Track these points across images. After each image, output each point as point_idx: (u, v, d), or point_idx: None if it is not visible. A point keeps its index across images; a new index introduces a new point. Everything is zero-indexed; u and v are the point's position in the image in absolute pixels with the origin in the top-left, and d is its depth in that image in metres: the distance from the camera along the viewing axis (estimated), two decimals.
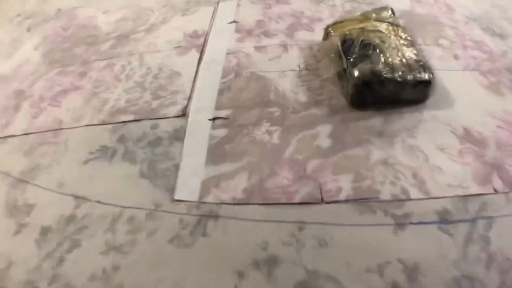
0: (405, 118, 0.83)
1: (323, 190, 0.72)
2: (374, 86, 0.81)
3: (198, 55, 1.00)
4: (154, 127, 0.88)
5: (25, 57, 1.12)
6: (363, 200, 0.71)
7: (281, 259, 0.67)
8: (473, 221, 0.70)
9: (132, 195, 0.76)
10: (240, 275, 0.64)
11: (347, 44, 0.87)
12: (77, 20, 1.26)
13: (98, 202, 0.75)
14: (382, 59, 0.82)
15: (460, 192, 0.72)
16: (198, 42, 1.04)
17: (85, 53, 1.10)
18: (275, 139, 0.80)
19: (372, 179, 0.73)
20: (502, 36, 1.06)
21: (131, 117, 0.90)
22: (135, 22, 1.19)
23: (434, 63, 0.94)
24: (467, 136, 0.80)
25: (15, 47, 1.18)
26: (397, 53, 0.85)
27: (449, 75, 0.92)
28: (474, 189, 0.73)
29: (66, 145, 0.86)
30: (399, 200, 0.71)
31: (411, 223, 0.69)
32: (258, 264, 0.66)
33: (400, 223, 0.69)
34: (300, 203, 0.71)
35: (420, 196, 0.71)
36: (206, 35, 1.06)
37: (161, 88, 0.95)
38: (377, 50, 0.85)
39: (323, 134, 0.80)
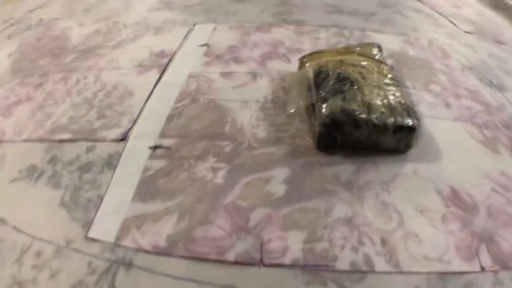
0: (381, 170, 0.65)
1: (265, 250, 0.54)
2: (346, 127, 0.64)
3: (157, 76, 0.85)
4: (89, 149, 0.72)
5: None
6: (312, 268, 0.53)
7: None
8: None
9: (47, 225, 0.61)
10: None
11: (321, 76, 0.72)
12: (52, 31, 1.15)
13: (14, 228, 0.62)
14: (359, 97, 0.66)
15: (439, 267, 0.54)
16: (162, 62, 0.90)
17: (48, 65, 0.98)
18: (219, 178, 0.63)
19: (329, 241, 0.55)
20: (500, 88, 0.91)
21: (68, 136, 0.74)
22: (105, 36, 1.06)
23: (422, 109, 0.78)
24: (454, 199, 0.63)
25: None
26: (378, 93, 0.69)
27: (438, 124, 0.76)
28: (457, 265, 0.55)
29: (2, 160, 0.72)
30: (360, 272, 0.53)
31: None
32: None
33: None
34: (233, 262, 0.53)
35: (388, 269, 0.53)
36: (173, 55, 0.92)
37: (109, 107, 0.80)
38: (355, 86, 0.69)
39: (278, 178, 0.63)
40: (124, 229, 0.58)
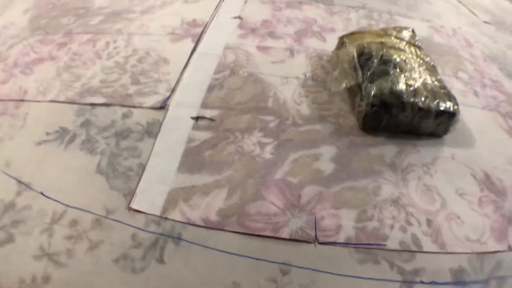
0: (421, 153, 0.64)
1: (318, 227, 0.52)
2: (393, 109, 0.62)
3: (192, 45, 0.81)
4: (125, 116, 0.68)
5: (12, 19, 0.94)
6: (365, 246, 0.52)
7: None
8: (486, 282, 0.52)
9: (82, 193, 0.56)
10: None
11: (364, 57, 0.69)
12: None
13: (41, 193, 0.56)
14: (404, 80, 0.64)
15: (477, 248, 0.55)
16: (195, 32, 0.85)
17: (72, 24, 0.92)
18: (267, 153, 0.60)
19: (379, 221, 0.55)
20: None
21: (101, 100, 0.70)
22: (132, 1, 1.00)
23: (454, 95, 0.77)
24: (488, 183, 0.63)
25: (5, 7, 0.99)
26: (420, 77, 0.67)
27: (469, 111, 0.75)
28: (492, 245, 0.56)
29: (25, 119, 0.67)
30: (410, 251, 0.53)
31: (422, 282, 0.51)
32: None
33: (409, 281, 0.50)
34: (289, 240, 0.52)
35: (434, 249, 0.53)
36: (206, 25, 0.87)
37: (143, 73, 0.76)
38: (398, 69, 0.66)
39: (326, 156, 0.61)
40: (171, 201, 0.55)
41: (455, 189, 0.61)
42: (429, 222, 0.56)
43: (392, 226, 0.54)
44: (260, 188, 0.56)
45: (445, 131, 0.67)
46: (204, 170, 0.58)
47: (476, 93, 0.80)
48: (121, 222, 0.53)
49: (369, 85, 0.64)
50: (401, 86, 0.63)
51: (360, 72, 0.66)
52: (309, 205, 0.55)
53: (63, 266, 0.48)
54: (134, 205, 0.54)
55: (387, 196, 0.57)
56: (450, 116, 0.65)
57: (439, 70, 0.84)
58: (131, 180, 0.57)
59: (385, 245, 0.52)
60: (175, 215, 0.53)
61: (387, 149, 0.64)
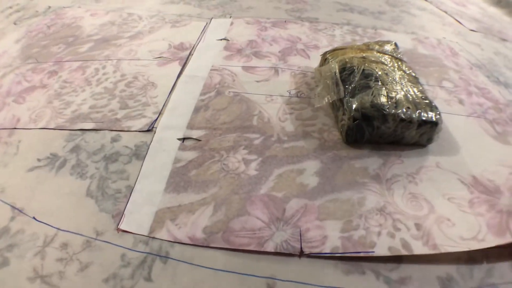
0: (406, 163, 0.66)
1: (303, 239, 0.54)
2: (375, 121, 0.64)
3: (179, 68, 0.84)
4: (114, 139, 0.70)
5: (4, 49, 0.98)
6: (352, 254, 0.52)
7: None
8: None
9: (72, 216, 0.58)
10: None
11: (346, 72, 0.71)
12: (63, 19, 1.13)
13: (34, 218, 0.57)
14: (385, 92, 0.66)
15: (475, 245, 0.55)
16: (182, 55, 0.88)
17: (62, 52, 0.95)
18: (252, 170, 0.62)
19: (365, 229, 0.56)
20: (506, 85, 0.92)
21: (91, 126, 0.72)
22: (120, 27, 1.04)
23: (438, 105, 0.78)
24: (477, 185, 0.64)
25: None
26: (402, 89, 0.68)
27: (454, 120, 0.76)
28: (491, 240, 0.56)
29: (17, 147, 0.69)
30: (395, 262, 0.53)
31: None
32: None
33: None
34: (274, 253, 0.53)
35: (426, 251, 0.53)
36: (192, 48, 0.90)
37: (131, 97, 0.78)
38: (379, 82, 0.69)
39: (310, 171, 0.62)
40: (158, 221, 0.56)
41: (442, 194, 0.61)
42: (418, 226, 0.56)
43: (379, 233, 0.55)
44: (245, 204, 0.58)
45: (429, 140, 0.68)
46: (190, 189, 0.60)
47: (461, 101, 0.81)
48: (110, 243, 0.54)
49: (350, 99, 0.65)
50: (382, 98, 0.65)
51: (341, 87, 0.68)
52: (293, 218, 0.56)
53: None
54: (122, 226, 0.55)
55: (373, 205, 0.58)
56: (432, 126, 0.66)
57: (423, 81, 0.86)
58: (119, 202, 0.59)
59: (373, 251, 0.53)
60: (162, 234, 0.54)
61: (371, 161, 0.65)
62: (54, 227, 0.56)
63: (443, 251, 0.54)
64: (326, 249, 0.53)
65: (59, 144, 0.69)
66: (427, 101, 0.68)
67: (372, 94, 0.65)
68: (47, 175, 0.63)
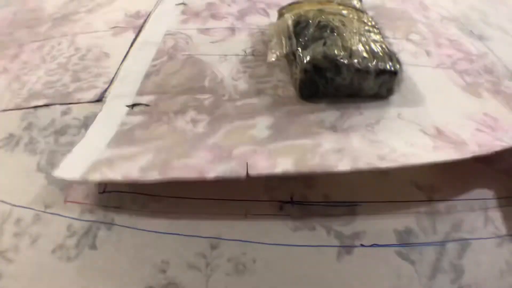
0: (365, 114, 0.62)
1: (250, 167, 0.49)
2: (328, 72, 0.60)
3: (133, 36, 0.80)
4: (65, 113, 0.67)
5: None
6: (307, 172, 0.49)
7: (182, 287, 0.46)
8: (442, 244, 0.49)
9: (25, 192, 0.56)
10: None
11: (300, 26, 0.67)
12: (28, 4, 1.07)
13: None
14: (340, 43, 0.62)
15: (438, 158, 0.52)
16: (138, 23, 0.84)
17: (25, 36, 0.91)
18: (200, 128, 0.59)
19: (322, 158, 0.51)
20: (481, 37, 0.87)
21: (43, 101, 0.69)
22: (79, 2, 0.99)
23: (403, 57, 0.74)
24: (441, 136, 0.60)
25: None
26: (360, 39, 0.65)
27: (420, 71, 0.72)
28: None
29: None
30: (349, 215, 0.50)
31: (362, 245, 0.49)
32: None
33: (347, 245, 0.48)
34: (218, 214, 0.50)
35: (387, 164, 0.50)
36: (148, 15, 0.86)
37: (84, 70, 0.75)
38: (335, 33, 0.65)
39: (261, 125, 0.59)
40: (94, 168, 0.52)
41: (404, 141, 0.57)
42: (380, 157, 0.52)
43: (340, 160, 0.51)
44: (189, 150, 0.53)
45: (390, 91, 0.65)
46: (133, 144, 0.56)
47: (428, 53, 0.77)
48: (57, 214, 0.53)
49: (302, 51, 0.62)
50: (336, 49, 0.61)
51: (294, 40, 0.64)
52: (242, 157, 0.52)
53: (11, 262, 0.49)
54: (55, 173, 0.52)
55: (329, 148, 0.54)
56: (391, 75, 0.62)
57: (389, 34, 0.82)
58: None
59: (332, 169, 0.49)
60: (95, 176, 0.51)
61: (327, 114, 0.61)
62: (9, 204, 0.55)
63: (411, 162, 0.51)
64: (277, 170, 0.49)
65: (15, 124, 0.66)
66: (386, 51, 0.64)
67: (325, 45, 0.62)
68: (4, 155, 0.62)
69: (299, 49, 0.62)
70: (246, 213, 0.50)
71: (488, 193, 0.56)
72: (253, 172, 0.48)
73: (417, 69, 0.72)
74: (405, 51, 0.77)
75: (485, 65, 0.78)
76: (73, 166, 0.53)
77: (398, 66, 0.63)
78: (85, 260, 0.48)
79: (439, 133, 0.60)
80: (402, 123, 0.61)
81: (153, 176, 0.49)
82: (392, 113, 0.63)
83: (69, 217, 0.52)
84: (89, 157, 0.54)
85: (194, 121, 0.60)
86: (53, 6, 1.00)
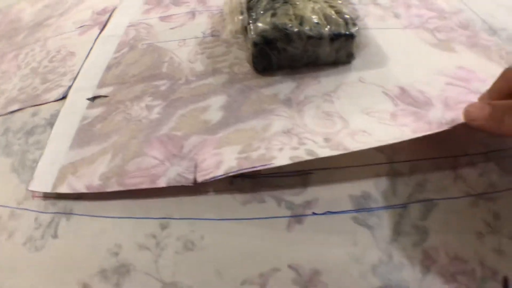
0: (323, 83, 0.60)
1: (198, 169, 0.50)
2: (278, 43, 0.59)
3: (98, 32, 0.81)
4: (34, 114, 0.69)
5: None
6: (249, 170, 0.47)
7: (133, 267, 0.46)
8: (404, 207, 0.47)
9: (2, 192, 0.59)
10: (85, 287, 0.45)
11: (253, 0, 0.66)
12: (9, 16, 1.10)
13: None
14: (291, 12, 0.61)
15: (392, 140, 0.48)
16: (103, 19, 0.85)
17: (5, 47, 0.93)
18: (154, 114, 0.58)
19: (266, 149, 0.50)
20: None
21: (17, 106, 0.71)
22: (53, 8, 1.01)
23: (368, 22, 0.72)
24: (404, 97, 0.57)
25: None
26: (314, 6, 0.63)
27: (387, 34, 0.69)
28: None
29: None
30: (301, 186, 0.49)
31: (314, 213, 0.47)
32: (106, 274, 0.46)
33: (298, 215, 0.47)
34: (169, 194, 0.50)
35: (334, 152, 0.47)
36: (113, 10, 0.87)
37: (52, 71, 0.76)
38: (288, 3, 0.63)
39: (215, 106, 0.58)
40: (61, 176, 0.54)
41: (361, 109, 0.55)
42: (327, 140, 0.50)
43: (281, 149, 0.49)
44: (143, 146, 0.54)
45: (350, 56, 0.62)
46: (93, 142, 0.57)
47: (397, 15, 0.74)
48: (27, 209, 0.55)
49: (252, 24, 0.60)
50: (286, 18, 0.60)
51: (246, 15, 0.63)
52: (191, 153, 0.51)
53: None
54: (30, 187, 0.55)
55: (278, 129, 0.52)
56: (348, 39, 0.60)
57: (355, 0, 0.79)
58: (34, 170, 0.58)
59: (271, 164, 0.47)
60: (64, 188, 0.52)
61: (283, 87, 0.59)
62: None
63: (353, 149, 0.47)
64: (220, 171, 0.48)
65: None
66: (342, 14, 0.62)
67: (274, 16, 0.60)
68: None
69: (250, 22, 0.61)
70: (196, 191, 0.50)
71: (459, 149, 0.53)
72: (200, 177, 0.48)
73: (383, 32, 0.70)
74: (371, 15, 0.74)
75: (460, 21, 0.74)
76: (44, 177, 0.55)
77: (354, 29, 0.60)
78: (49, 249, 0.50)
79: (403, 93, 0.58)
80: (363, 87, 0.59)
81: (112, 186, 0.50)
82: (352, 78, 0.61)
83: (36, 211, 0.54)
84: (56, 163, 0.56)
85: (149, 107, 0.60)
86: (29, 14, 1.02)
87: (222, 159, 0.50)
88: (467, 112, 0.44)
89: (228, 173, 0.47)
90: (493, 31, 0.71)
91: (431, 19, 0.73)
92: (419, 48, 0.67)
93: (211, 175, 0.48)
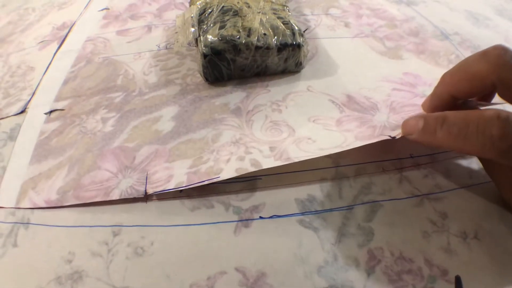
0: (272, 92, 0.63)
1: (149, 181, 0.52)
2: (227, 54, 0.61)
3: (57, 47, 0.82)
4: None
5: None
6: (198, 184, 0.50)
7: (86, 274, 0.46)
8: (349, 209, 0.49)
9: None
10: None
11: (205, 13, 0.68)
12: None
13: None
14: (240, 24, 0.63)
15: (336, 150, 0.51)
16: (62, 34, 0.86)
17: None
18: (108, 127, 0.60)
19: (215, 161, 0.52)
20: (409, 3, 0.88)
21: None
22: (15, 24, 1.01)
23: (319, 32, 0.75)
24: (350, 104, 0.60)
25: None
26: (263, 18, 0.66)
27: (336, 43, 0.73)
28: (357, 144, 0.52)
29: None
30: (249, 191, 0.51)
31: (261, 217, 0.49)
32: (61, 280, 0.46)
33: (245, 219, 0.49)
34: (118, 200, 0.52)
35: (278, 163, 0.50)
36: (73, 25, 0.88)
37: (13, 86, 0.76)
38: (238, 15, 0.66)
39: (167, 117, 0.60)
40: (22, 192, 0.55)
41: (308, 117, 0.58)
42: (272, 148, 0.52)
43: (228, 160, 0.51)
44: (96, 160, 0.55)
45: (299, 65, 0.65)
46: (50, 156, 0.58)
47: (347, 25, 0.78)
48: None
49: (201, 37, 0.63)
50: (234, 30, 0.63)
51: (197, 27, 0.66)
52: (142, 164, 0.53)
53: None
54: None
55: (227, 140, 0.55)
56: (294, 48, 0.63)
57: (307, 11, 0.83)
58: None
59: (218, 177, 0.49)
60: (25, 203, 0.53)
61: (233, 96, 0.62)
62: None
63: (296, 160, 0.50)
64: (170, 186, 0.50)
65: None
66: (288, 25, 0.65)
67: (223, 28, 0.63)
68: None
69: (200, 35, 0.64)
70: (146, 199, 0.52)
71: (404, 152, 0.55)
72: (150, 189, 0.50)
73: (333, 41, 0.73)
74: (322, 25, 0.77)
75: (410, 28, 0.78)
76: (8, 192, 0.55)
77: (301, 39, 0.64)
78: (10, 258, 0.50)
79: (349, 100, 0.61)
80: (311, 95, 0.62)
81: (69, 199, 0.52)
82: (301, 87, 0.64)
83: None
84: (19, 178, 0.56)
85: (104, 120, 0.61)
86: None
87: (173, 173, 0.51)
88: (403, 126, 0.47)
89: (178, 188, 0.49)
90: (444, 35, 0.75)
91: (381, 28, 0.78)
92: (367, 56, 0.70)
93: (161, 188, 0.50)
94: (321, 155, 0.50)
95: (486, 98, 0.49)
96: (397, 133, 0.50)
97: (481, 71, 0.39)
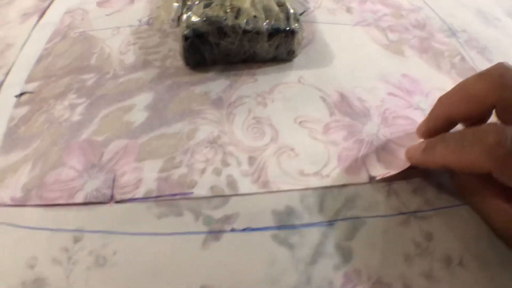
0: (259, 81, 0.56)
1: (117, 185, 0.47)
2: (211, 37, 0.54)
3: (36, 20, 0.75)
4: None
5: None
6: (167, 198, 0.45)
7: (46, 282, 0.43)
8: (330, 225, 0.44)
9: None
10: None
11: None
12: None
13: None
14: (228, 3, 0.56)
15: (316, 182, 0.46)
16: (44, 6, 0.78)
17: None
18: (76, 115, 0.54)
19: (188, 166, 0.47)
20: None
21: None
22: None
23: (317, 15, 0.67)
24: (342, 105, 0.54)
25: None
26: None
27: (335, 30, 0.65)
28: (338, 177, 0.47)
29: None
30: (221, 196, 0.46)
31: (233, 230, 0.45)
32: (26, 286, 0.43)
33: (216, 231, 0.44)
34: (83, 204, 0.47)
35: (254, 190, 0.45)
36: None
37: None
38: None
39: (140, 106, 0.54)
40: None
41: (294, 117, 0.52)
42: (251, 159, 0.47)
43: (203, 171, 0.46)
44: (62, 154, 0.50)
45: (291, 53, 0.58)
46: (17, 147, 0.52)
47: (349, 9, 0.70)
48: None
49: (185, 15, 0.56)
50: (221, 10, 0.55)
51: (181, 3, 0.58)
52: (110, 163, 0.47)
53: None
54: None
55: (204, 137, 0.49)
56: (288, 35, 0.56)
57: None
58: None
59: (191, 193, 0.46)
60: None
61: (216, 84, 0.55)
62: None
63: (274, 189, 0.45)
64: (140, 193, 0.45)
65: None
66: (284, 8, 0.58)
67: (208, 6, 0.56)
68: None
69: (183, 13, 0.56)
70: (111, 201, 0.47)
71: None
72: (118, 195, 0.45)
73: (332, 27, 0.65)
74: (322, 8, 0.69)
75: (417, 20, 0.70)
76: None
77: (296, 25, 0.56)
78: None
79: (342, 100, 0.55)
80: (301, 89, 0.56)
81: (32, 199, 0.47)
82: (291, 77, 0.57)
83: None
84: None
85: (72, 106, 0.55)
86: None
87: (142, 177, 0.46)
88: (406, 152, 0.46)
89: (147, 197, 0.44)
90: (452, 32, 0.68)
91: (385, 16, 0.70)
92: (367, 48, 0.63)
93: (129, 196, 0.45)
94: (297, 187, 0.46)
95: (480, 122, 0.44)
96: (379, 175, 0.46)
97: (480, 91, 0.38)
